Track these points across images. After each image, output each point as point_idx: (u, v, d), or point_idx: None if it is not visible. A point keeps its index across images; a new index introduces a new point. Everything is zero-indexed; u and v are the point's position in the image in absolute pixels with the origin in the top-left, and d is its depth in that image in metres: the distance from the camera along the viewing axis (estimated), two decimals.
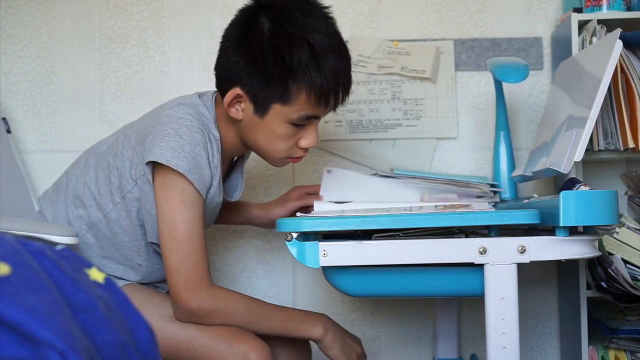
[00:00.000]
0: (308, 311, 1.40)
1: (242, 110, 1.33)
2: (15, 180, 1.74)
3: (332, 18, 1.35)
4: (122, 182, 1.36)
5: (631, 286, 1.47)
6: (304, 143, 1.35)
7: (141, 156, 1.32)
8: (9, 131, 1.82)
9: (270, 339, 1.36)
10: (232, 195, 1.52)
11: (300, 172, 1.90)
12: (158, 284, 1.49)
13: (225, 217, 1.63)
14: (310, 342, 1.48)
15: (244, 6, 1.36)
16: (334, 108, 1.36)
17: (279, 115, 1.31)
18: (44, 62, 1.93)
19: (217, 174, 1.35)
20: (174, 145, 1.27)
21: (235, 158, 1.52)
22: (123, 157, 1.37)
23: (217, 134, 1.37)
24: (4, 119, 1.82)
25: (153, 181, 1.31)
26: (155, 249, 1.41)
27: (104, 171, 1.39)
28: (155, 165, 1.30)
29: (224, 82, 1.35)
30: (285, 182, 1.90)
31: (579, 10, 1.71)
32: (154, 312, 1.33)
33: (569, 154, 1.30)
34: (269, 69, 1.28)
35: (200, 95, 1.41)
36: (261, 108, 1.31)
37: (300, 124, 1.33)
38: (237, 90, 1.31)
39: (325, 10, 1.35)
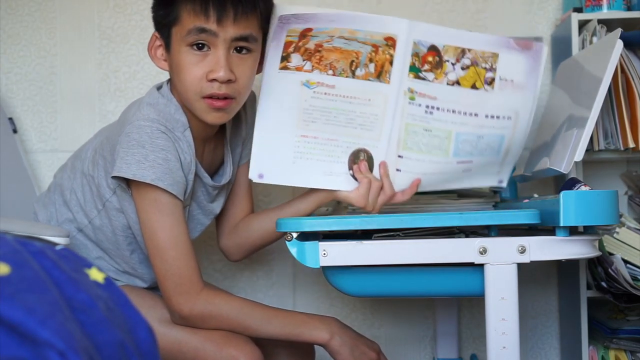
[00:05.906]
0: (314, 315, 1.35)
1: (162, 56, 1.35)
2: (21, 180, 1.74)
3: None
4: (101, 191, 1.36)
5: (631, 286, 1.47)
6: (211, 74, 1.29)
7: (113, 167, 1.30)
8: (15, 131, 1.82)
9: (270, 341, 1.36)
10: (220, 179, 1.45)
11: None
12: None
13: (258, 234, 1.56)
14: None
15: None
16: (219, 17, 1.28)
17: (178, 39, 1.29)
18: (44, 62, 1.93)
19: (192, 170, 1.33)
20: (138, 157, 1.25)
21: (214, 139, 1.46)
22: (98, 165, 1.36)
23: (184, 119, 1.34)
24: (10, 118, 1.83)
25: (130, 191, 1.31)
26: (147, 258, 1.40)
27: (87, 177, 1.39)
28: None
29: None
30: None
31: (579, 10, 1.70)
32: (144, 314, 1.32)
33: (569, 154, 1.30)
34: None
35: (158, 87, 1.39)
36: (166, 40, 1.32)
37: (200, 45, 1.28)
38: (154, 35, 1.35)
39: None
